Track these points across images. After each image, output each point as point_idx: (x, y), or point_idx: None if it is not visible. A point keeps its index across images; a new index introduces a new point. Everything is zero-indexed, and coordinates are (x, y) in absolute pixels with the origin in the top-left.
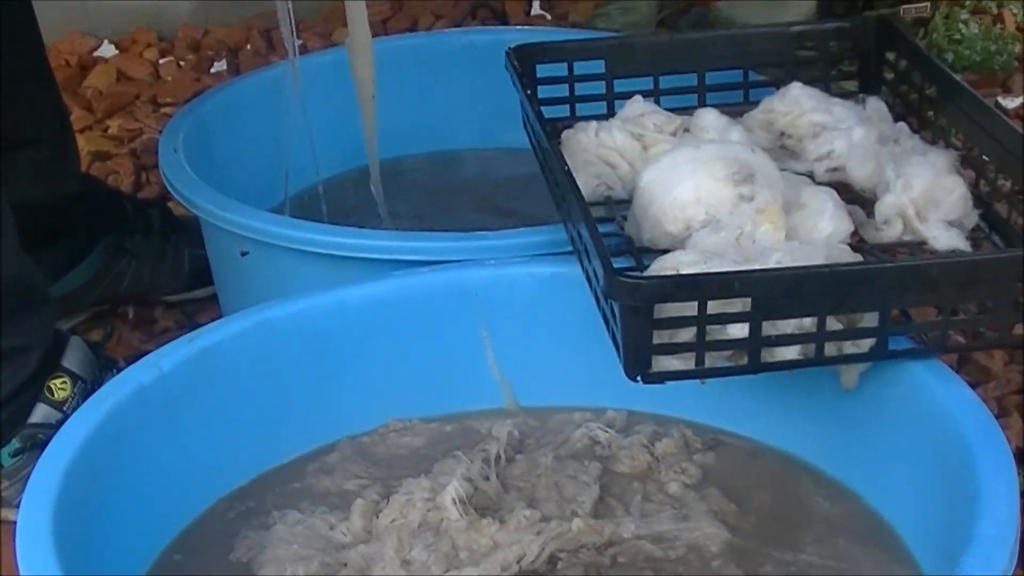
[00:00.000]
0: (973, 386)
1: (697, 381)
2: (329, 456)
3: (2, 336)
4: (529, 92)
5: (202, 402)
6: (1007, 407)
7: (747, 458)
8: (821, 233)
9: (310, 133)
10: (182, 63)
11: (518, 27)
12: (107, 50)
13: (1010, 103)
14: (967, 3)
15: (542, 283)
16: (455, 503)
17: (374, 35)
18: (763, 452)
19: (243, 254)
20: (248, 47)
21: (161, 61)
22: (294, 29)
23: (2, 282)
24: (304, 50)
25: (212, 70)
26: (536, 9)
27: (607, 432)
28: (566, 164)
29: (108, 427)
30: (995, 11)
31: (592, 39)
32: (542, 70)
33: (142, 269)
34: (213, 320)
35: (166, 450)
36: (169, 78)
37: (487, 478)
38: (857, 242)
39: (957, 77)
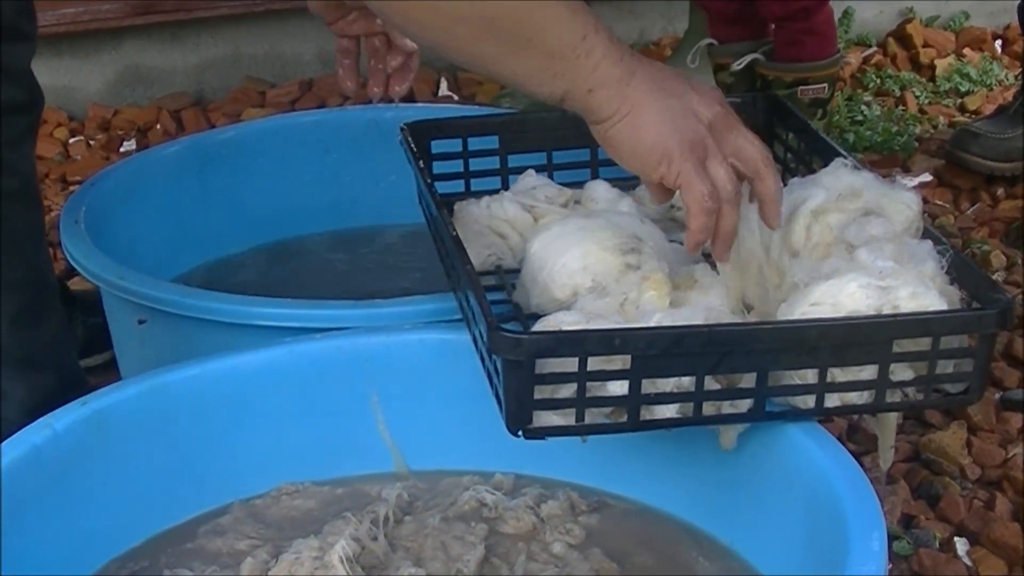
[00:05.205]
0: (862, 454)
1: (583, 443)
2: (221, 518)
3: None
4: (422, 165)
5: (95, 463)
6: (894, 475)
7: (631, 519)
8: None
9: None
10: (92, 142)
11: (421, 104)
12: None
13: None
14: (870, 86)
15: (431, 349)
16: (342, 562)
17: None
18: (646, 513)
19: (140, 322)
20: (158, 127)
21: (71, 140)
22: None
23: None
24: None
25: (121, 149)
26: (444, 90)
27: (494, 495)
28: (454, 230)
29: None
30: (898, 94)
31: (486, 115)
32: (437, 146)
33: None
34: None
35: (58, 511)
36: (79, 156)
37: (375, 538)
38: None
39: (838, 148)
